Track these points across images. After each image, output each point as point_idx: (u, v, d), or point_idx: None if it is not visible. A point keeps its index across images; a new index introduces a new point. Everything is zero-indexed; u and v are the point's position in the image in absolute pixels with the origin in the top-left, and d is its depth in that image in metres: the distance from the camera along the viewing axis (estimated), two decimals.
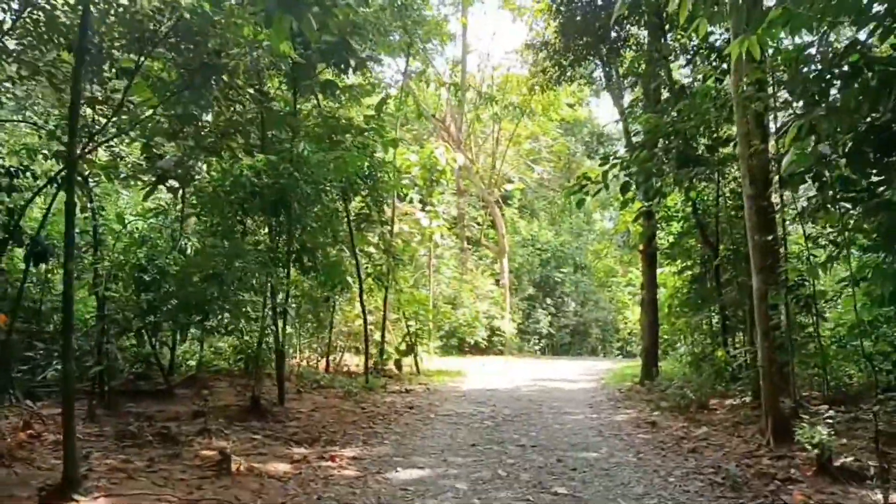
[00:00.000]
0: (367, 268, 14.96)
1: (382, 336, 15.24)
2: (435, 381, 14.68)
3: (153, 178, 9.92)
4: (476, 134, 31.17)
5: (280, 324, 10.17)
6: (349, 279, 13.37)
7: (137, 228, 10.20)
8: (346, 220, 12.83)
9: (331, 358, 16.60)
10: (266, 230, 10.27)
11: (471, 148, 30.41)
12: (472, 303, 25.91)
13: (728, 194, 11.78)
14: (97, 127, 6.72)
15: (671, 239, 13.84)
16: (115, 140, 9.82)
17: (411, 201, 20.78)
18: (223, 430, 7.98)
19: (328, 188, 11.27)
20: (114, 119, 6.65)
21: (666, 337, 16.74)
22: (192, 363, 12.47)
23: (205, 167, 9.95)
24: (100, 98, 6.77)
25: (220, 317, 8.79)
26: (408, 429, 8.80)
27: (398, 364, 15.25)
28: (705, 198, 12.49)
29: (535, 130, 32.66)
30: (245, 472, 6.06)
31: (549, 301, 32.65)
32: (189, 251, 9.09)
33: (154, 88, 6.97)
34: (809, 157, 5.68)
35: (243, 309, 9.53)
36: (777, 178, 8.76)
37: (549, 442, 7.95)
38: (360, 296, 12.93)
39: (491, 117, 29.59)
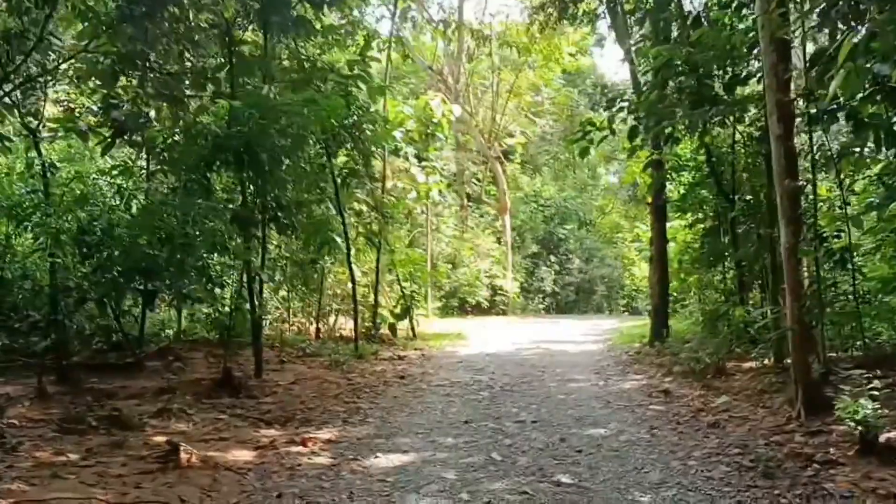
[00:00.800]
0: (356, 227, 14.04)
1: (375, 300, 14.40)
2: (431, 346, 13.88)
3: (110, 132, 8.94)
4: (475, 86, 29.86)
5: (257, 290, 9.34)
6: (337, 239, 12.46)
7: (100, 188, 9.30)
8: (330, 175, 11.85)
9: (322, 323, 15.84)
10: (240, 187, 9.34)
11: (469, 101, 29.15)
12: (472, 262, 25.04)
13: (745, 139, 10.73)
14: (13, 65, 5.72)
15: (682, 190, 12.84)
16: (67, 87, 8.84)
17: (406, 157, 19.77)
18: (186, 410, 7.17)
19: (308, 139, 10.32)
20: (33, 56, 5.64)
21: (675, 294, 15.88)
22: (171, 333, 11.70)
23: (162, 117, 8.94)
24: (16, 31, 5.76)
25: (173, 282, 7.89)
26: (395, 403, 7.97)
27: (393, 329, 14.44)
28: (720, 144, 11.46)
29: (537, 82, 31.31)
30: (197, 465, 5.22)
31: (553, 258, 31.74)
32: (135, 209, 8.16)
33: (84, 19, 5.94)
34: (861, 79, 4.67)
35: (210, 274, 8.65)
36: (805, 116, 7.76)
37: (552, 416, 7.11)
38: (348, 257, 12.02)
39: (489, 67, 28.28)
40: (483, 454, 5.73)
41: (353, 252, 13.07)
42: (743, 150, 10.70)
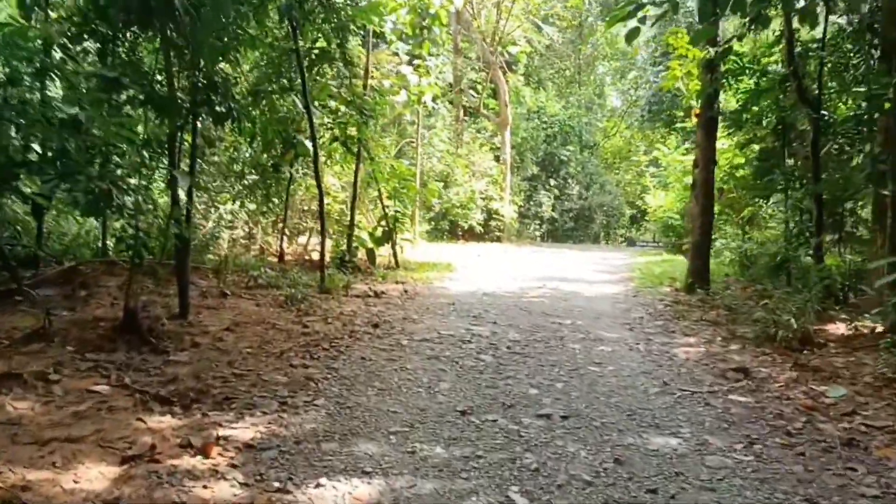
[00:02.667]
0: (331, 129, 11.41)
1: (352, 219, 11.92)
2: (417, 279, 11.51)
3: None
4: None
5: (185, 198, 6.86)
6: (307, 142, 9.88)
7: None
8: (295, 57, 9.14)
9: (292, 244, 13.44)
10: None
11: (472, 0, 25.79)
12: (466, 181, 22.48)
13: (845, 34, 8.16)
14: None
15: (739, 100, 10.26)
16: None
17: (396, 53, 16.87)
18: (49, 374, 4.83)
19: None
20: None
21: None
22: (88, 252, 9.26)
23: None
24: None
25: (60, 181, 5.36)
26: (362, 371, 5.63)
27: (371, 255, 12.03)
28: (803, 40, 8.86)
29: None
30: None
31: (552, 182, 29.17)
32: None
33: None
34: None
35: (115, 173, 6.11)
36: None
37: (590, 408, 4.81)
38: (315, 164, 9.44)
39: None
40: (494, 489, 3.44)
41: (323, 158, 10.53)
42: (844, 43, 8.13)
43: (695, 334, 7.38)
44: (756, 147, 10.77)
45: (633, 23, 7.46)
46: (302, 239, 14.26)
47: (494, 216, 23.08)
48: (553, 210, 28.50)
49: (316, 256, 12.99)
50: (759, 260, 10.65)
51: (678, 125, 20.80)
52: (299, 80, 8.95)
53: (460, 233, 22.30)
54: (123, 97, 6.22)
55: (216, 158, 10.93)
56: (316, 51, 9.66)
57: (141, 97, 6.30)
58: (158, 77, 6.68)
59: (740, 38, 9.84)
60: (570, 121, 29.96)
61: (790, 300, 6.96)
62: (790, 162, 9.85)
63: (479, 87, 25.59)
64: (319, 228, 14.44)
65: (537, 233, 27.80)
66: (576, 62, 36.87)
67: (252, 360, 5.67)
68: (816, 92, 8.32)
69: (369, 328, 7.26)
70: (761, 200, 11.20)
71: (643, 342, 7.05)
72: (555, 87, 33.83)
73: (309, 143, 9.72)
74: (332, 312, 7.93)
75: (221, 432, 4.04)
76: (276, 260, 11.93)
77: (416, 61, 16.66)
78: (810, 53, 8.39)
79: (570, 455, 3.93)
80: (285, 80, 9.73)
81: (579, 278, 12.87)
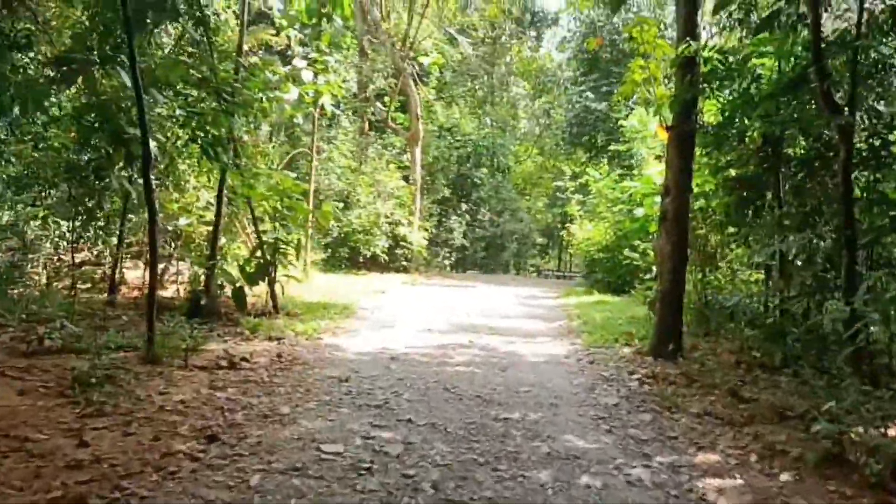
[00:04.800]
0: (181, 123, 8.33)
1: (213, 247, 8.83)
2: (300, 331, 8.49)
3: None
4: None
5: None
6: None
7: None
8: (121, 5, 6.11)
9: (122, 274, 10.26)
10: None
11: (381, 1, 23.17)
12: (370, 202, 19.64)
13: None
14: None
15: (725, 109, 8.04)
16: None
17: (288, 42, 14.01)
18: None
19: None
20: None
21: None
22: None
23: None
24: None
25: None
26: None
27: (238, 297, 8.95)
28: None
29: None
30: None
31: (464, 206, 26.71)
32: None
33: None
34: None
35: None
36: None
37: None
38: (145, 166, 6.30)
39: None
40: None
41: (161, 159, 7.49)
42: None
43: (711, 447, 4.86)
44: (733, 172, 8.63)
45: None
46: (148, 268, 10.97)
47: (402, 243, 20.32)
48: (465, 237, 26.02)
49: (167, 296, 9.80)
50: (736, 313, 8.46)
51: (612, 147, 18.93)
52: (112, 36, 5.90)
53: (362, 261, 19.39)
54: None
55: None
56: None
57: None
58: None
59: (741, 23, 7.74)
60: (484, 141, 27.70)
61: (838, 393, 4.59)
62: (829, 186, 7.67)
63: (387, 98, 22.87)
64: (177, 253, 11.29)
65: (447, 261, 25.21)
66: (489, 81, 35.03)
67: None
68: (851, 88, 6.15)
69: (200, 444, 4.30)
70: (736, 239, 9.05)
71: (640, 464, 4.44)
72: (467, 105, 31.62)
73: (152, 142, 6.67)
74: (145, 407, 4.89)
75: None
76: (105, 297, 8.70)
77: (311, 54, 13.84)
78: (839, 45, 6.21)
79: None
80: (108, 48, 6.67)
81: (511, 328, 10.25)
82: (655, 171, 11.40)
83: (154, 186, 6.48)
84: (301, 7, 13.26)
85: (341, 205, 18.73)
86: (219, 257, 9.15)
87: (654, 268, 12.55)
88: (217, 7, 9.90)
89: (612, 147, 19.11)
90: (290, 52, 14.18)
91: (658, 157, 16.56)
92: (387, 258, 19.79)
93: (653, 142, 16.78)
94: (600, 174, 17.65)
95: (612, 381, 6.81)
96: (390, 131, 23.68)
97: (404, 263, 20.50)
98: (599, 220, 17.18)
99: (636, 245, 13.68)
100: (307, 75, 13.04)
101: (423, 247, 21.49)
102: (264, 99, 10.04)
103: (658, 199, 11.07)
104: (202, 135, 8.24)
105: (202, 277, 8.89)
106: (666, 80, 8.95)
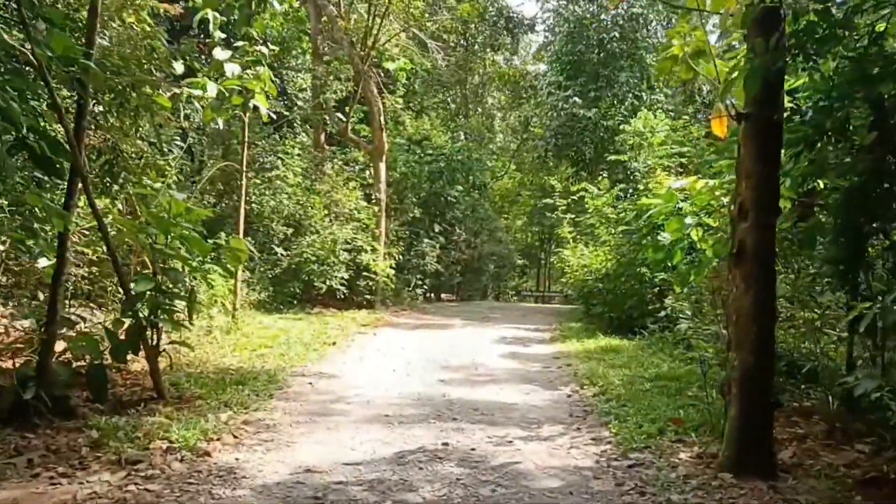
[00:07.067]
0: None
1: (52, 298, 5.83)
2: (177, 439, 5.39)
3: None
4: None
5: None
6: None
7: None
8: None
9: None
10: None
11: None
12: (327, 227, 16.69)
13: None
14: None
15: (827, 90, 5.32)
16: None
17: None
18: None
19: None
20: None
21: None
22: None
23: None
24: None
25: None
26: None
27: (96, 379, 5.93)
28: None
29: None
30: None
31: (437, 228, 23.83)
32: None
33: None
34: None
35: None
36: None
37: None
38: None
39: None
40: None
41: None
42: None
43: None
44: (821, 183, 5.91)
45: None
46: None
47: (365, 273, 17.38)
48: (438, 262, 23.10)
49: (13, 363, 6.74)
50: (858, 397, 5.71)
51: (611, 157, 16.27)
52: None
53: (318, 297, 16.40)
54: None
55: None
56: None
57: None
58: None
59: None
60: (458, 155, 24.88)
61: None
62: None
63: (347, 106, 19.98)
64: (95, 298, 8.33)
65: (419, 290, 22.24)
66: (462, 91, 32.49)
67: None
68: None
69: None
70: (821, 282, 6.30)
71: None
72: (439, 117, 28.88)
73: None
74: None
75: None
76: None
77: (239, 43, 10.97)
78: None
79: None
80: None
81: (501, 405, 7.30)
82: (680, 185, 8.68)
83: None
84: None
85: (290, 230, 15.78)
86: (71, 312, 6.15)
87: (672, 303, 9.85)
88: None
89: (611, 157, 16.46)
90: (207, 39, 11.23)
91: (667, 169, 13.92)
92: (347, 292, 16.81)
93: (661, 149, 14.14)
94: (599, 189, 14.95)
95: None
96: (352, 144, 20.82)
97: (368, 297, 17.54)
98: (598, 244, 14.44)
99: (653, 275, 10.96)
100: (231, 68, 10.13)
101: (391, 276, 18.55)
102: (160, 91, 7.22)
103: (689, 220, 8.39)
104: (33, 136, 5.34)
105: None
106: (722, 52, 6.24)
